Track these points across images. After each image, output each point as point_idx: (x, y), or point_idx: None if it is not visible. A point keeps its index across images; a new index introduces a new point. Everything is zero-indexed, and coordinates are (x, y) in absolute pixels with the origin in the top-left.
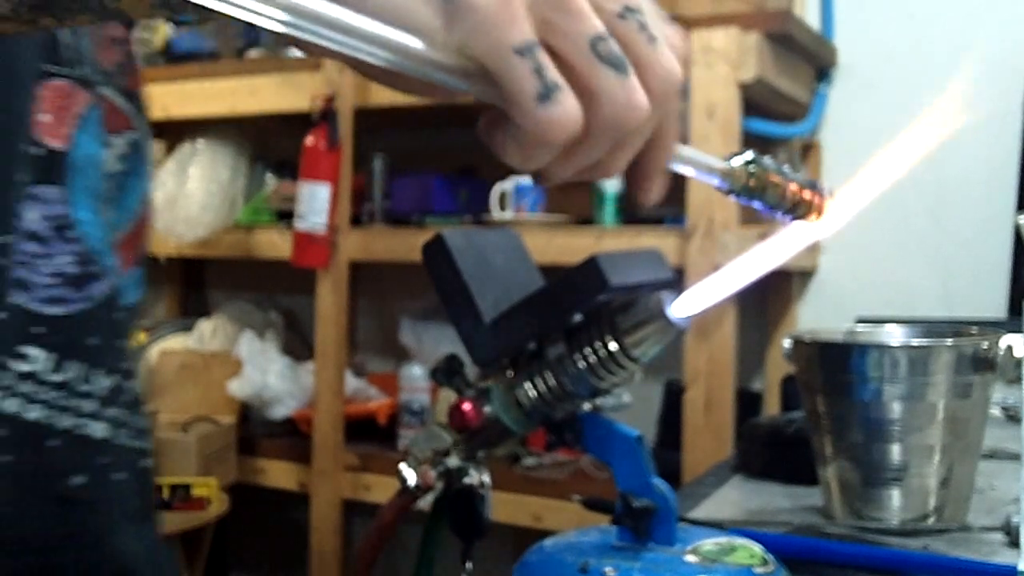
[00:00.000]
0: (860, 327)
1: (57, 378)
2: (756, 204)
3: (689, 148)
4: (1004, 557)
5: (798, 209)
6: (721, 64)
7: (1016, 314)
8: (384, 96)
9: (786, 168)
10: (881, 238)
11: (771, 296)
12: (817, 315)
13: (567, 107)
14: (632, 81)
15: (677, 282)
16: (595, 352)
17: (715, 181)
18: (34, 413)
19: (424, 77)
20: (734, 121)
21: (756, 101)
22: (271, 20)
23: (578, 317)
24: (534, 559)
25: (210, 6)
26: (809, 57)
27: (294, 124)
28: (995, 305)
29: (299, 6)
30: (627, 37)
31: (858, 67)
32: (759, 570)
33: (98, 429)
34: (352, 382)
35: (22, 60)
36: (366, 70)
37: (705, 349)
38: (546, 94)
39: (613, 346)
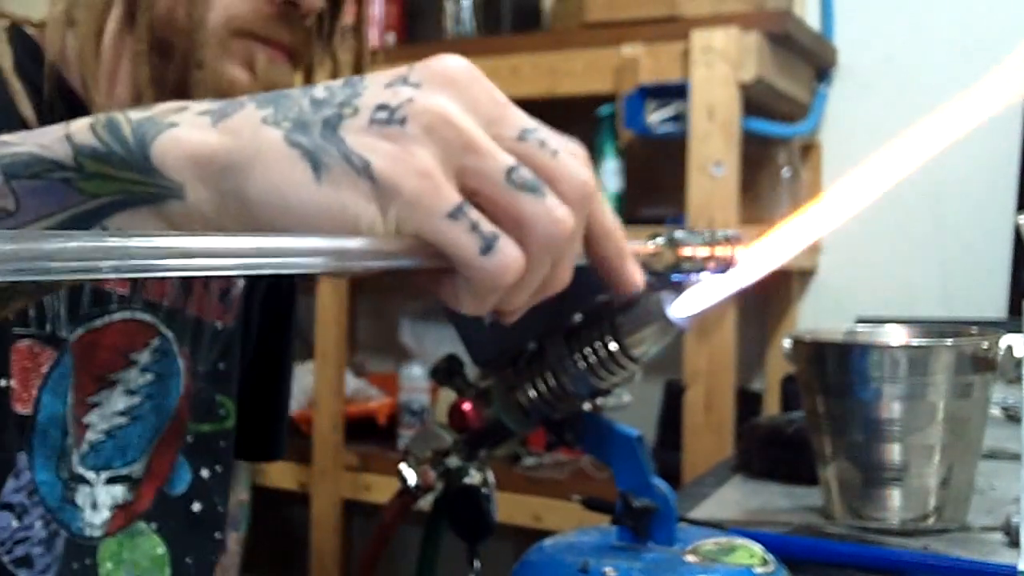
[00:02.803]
0: (860, 327)
1: None
2: (678, 278)
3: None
4: (1004, 557)
5: (716, 264)
6: (721, 64)
7: (1016, 314)
8: None
9: (692, 234)
10: (881, 238)
11: (771, 296)
12: (817, 315)
13: (508, 252)
14: (550, 199)
15: (677, 282)
16: (595, 352)
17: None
18: None
19: (377, 268)
20: (734, 121)
21: (756, 101)
22: (231, 270)
23: (578, 317)
24: (534, 559)
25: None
26: (809, 57)
27: None
28: (995, 305)
29: (260, 246)
30: (532, 159)
31: (858, 67)
32: (759, 570)
33: None
34: (352, 382)
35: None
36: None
37: (705, 349)
38: (487, 247)
39: (613, 346)
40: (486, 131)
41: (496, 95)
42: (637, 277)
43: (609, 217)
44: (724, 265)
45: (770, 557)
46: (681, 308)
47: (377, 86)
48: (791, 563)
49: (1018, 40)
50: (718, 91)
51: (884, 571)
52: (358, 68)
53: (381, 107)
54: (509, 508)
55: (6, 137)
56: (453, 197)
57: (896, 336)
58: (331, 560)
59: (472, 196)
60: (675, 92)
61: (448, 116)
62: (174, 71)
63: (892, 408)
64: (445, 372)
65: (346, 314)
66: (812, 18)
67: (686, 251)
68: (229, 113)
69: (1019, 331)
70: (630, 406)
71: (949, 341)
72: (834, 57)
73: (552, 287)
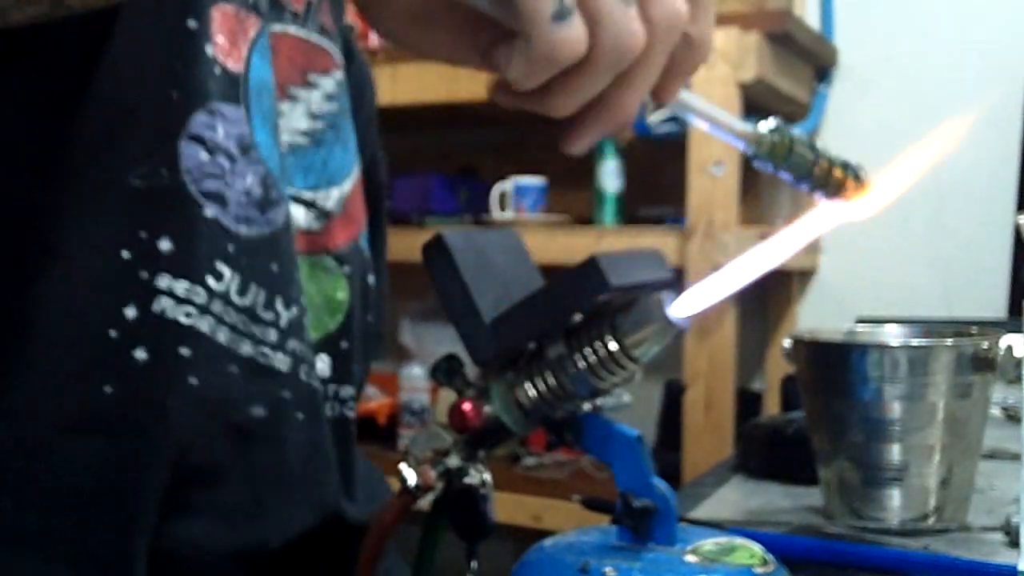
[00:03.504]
0: (860, 327)
1: (242, 302)
2: (782, 174)
3: (711, 105)
4: (1004, 557)
5: (827, 186)
6: (721, 64)
7: (1016, 314)
8: (384, 96)
9: (817, 144)
10: (881, 238)
11: (771, 296)
12: (817, 315)
13: (578, 29)
14: (633, 11)
15: (677, 282)
16: (595, 352)
17: (739, 144)
18: (222, 335)
19: None
20: None
21: (756, 101)
22: None
23: (578, 317)
24: (534, 559)
25: None
26: (809, 57)
27: None
28: (995, 305)
29: None
30: None
31: (858, 67)
32: (759, 570)
33: (280, 361)
34: None
35: None
36: (390, 26)
37: (705, 349)
38: (561, 15)
39: (613, 346)
40: None
41: None
42: (631, 111)
43: (693, 57)
44: (834, 188)
45: (770, 557)
46: (681, 308)
47: None
48: (791, 563)
49: (1018, 40)
50: (718, 91)
51: (884, 571)
52: None
53: None
54: (509, 508)
55: None
56: None
57: (896, 336)
58: None
59: None
60: None
61: None
62: None
63: (892, 408)
64: (445, 372)
65: None
66: (812, 18)
67: (802, 150)
68: None
69: (1019, 331)
70: (630, 406)
71: (949, 341)
72: (834, 57)
73: (617, 110)
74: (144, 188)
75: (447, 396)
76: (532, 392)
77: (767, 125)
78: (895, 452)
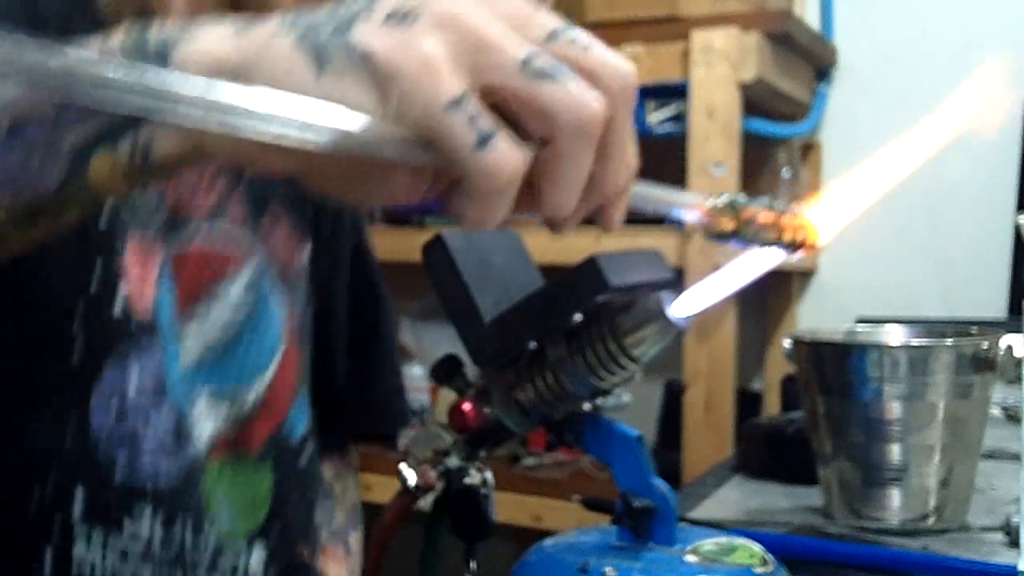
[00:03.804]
0: (860, 327)
1: (166, 545)
2: (734, 243)
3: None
4: (1004, 557)
5: (781, 240)
6: (721, 64)
7: (1016, 314)
8: None
9: (755, 202)
10: (881, 238)
11: (771, 296)
12: (817, 315)
13: (503, 149)
14: (573, 83)
15: (677, 282)
16: (595, 352)
17: (692, 218)
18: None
19: (371, 155)
20: (734, 121)
21: (756, 101)
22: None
23: (578, 317)
24: (534, 559)
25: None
26: (809, 57)
27: None
28: (995, 305)
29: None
30: (561, 53)
31: (858, 67)
32: (759, 570)
33: None
34: None
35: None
36: (320, 182)
37: (705, 349)
38: (482, 141)
39: (613, 346)
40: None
41: (524, 4)
42: (618, 219)
43: (629, 145)
44: (791, 238)
45: (770, 557)
46: (681, 308)
47: None
48: (791, 563)
49: (1018, 40)
50: (718, 91)
51: (884, 571)
52: None
53: (394, 12)
54: (509, 508)
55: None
56: (454, 87)
57: (896, 336)
58: None
59: (492, 94)
60: (675, 92)
61: (462, 15)
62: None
63: (892, 408)
64: (445, 372)
65: None
66: (812, 18)
67: (749, 215)
68: (253, 25)
69: (1019, 331)
70: (630, 406)
71: (949, 341)
72: (834, 57)
73: (605, 186)
74: (53, 449)
75: (447, 396)
76: (532, 392)
77: (720, 201)
78: (895, 452)
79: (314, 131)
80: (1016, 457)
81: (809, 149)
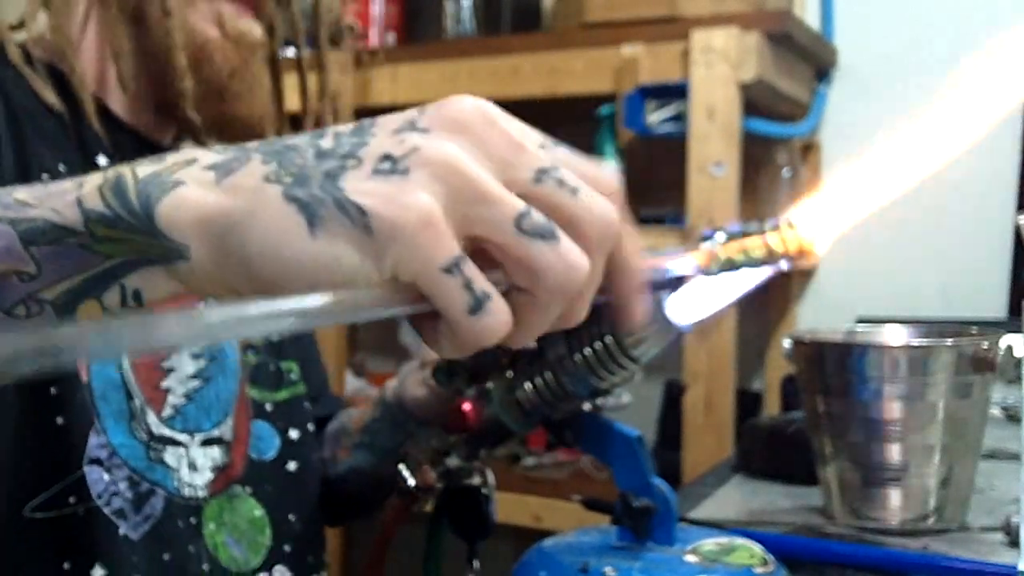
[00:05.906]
0: (860, 327)
1: None
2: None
3: (658, 257)
4: (1004, 557)
5: (775, 256)
6: (721, 64)
7: (1016, 314)
8: (384, 96)
9: (745, 227)
10: (881, 238)
11: (771, 296)
12: (817, 315)
13: (497, 314)
14: (564, 244)
15: (678, 283)
16: (595, 352)
17: (694, 272)
18: None
19: (366, 318)
20: (734, 121)
21: (756, 101)
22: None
23: None
24: (534, 559)
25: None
26: (809, 57)
27: (293, 125)
28: (995, 305)
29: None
30: (548, 199)
31: (858, 67)
32: (759, 570)
33: None
34: (352, 382)
35: None
36: None
37: (705, 349)
38: (477, 306)
39: (613, 346)
40: (499, 175)
41: (513, 135)
42: (640, 314)
43: (633, 254)
44: (791, 250)
45: (770, 557)
46: (680, 308)
47: (385, 133)
48: (791, 563)
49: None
50: (718, 91)
51: (884, 571)
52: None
53: (385, 157)
54: (509, 508)
55: (23, 195)
56: (451, 249)
57: (896, 336)
58: (332, 559)
59: (482, 244)
60: (675, 92)
61: (455, 164)
62: (148, 37)
63: (892, 408)
64: (445, 372)
65: None
66: (812, 18)
67: (749, 244)
68: (234, 169)
69: (1019, 331)
70: (630, 406)
71: (949, 341)
72: (834, 57)
73: (566, 323)
74: (54, 518)
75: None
76: (532, 392)
77: (716, 240)
78: (895, 452)
79: (311, 307)
80: (1016, 457)
81: (809, 149)
